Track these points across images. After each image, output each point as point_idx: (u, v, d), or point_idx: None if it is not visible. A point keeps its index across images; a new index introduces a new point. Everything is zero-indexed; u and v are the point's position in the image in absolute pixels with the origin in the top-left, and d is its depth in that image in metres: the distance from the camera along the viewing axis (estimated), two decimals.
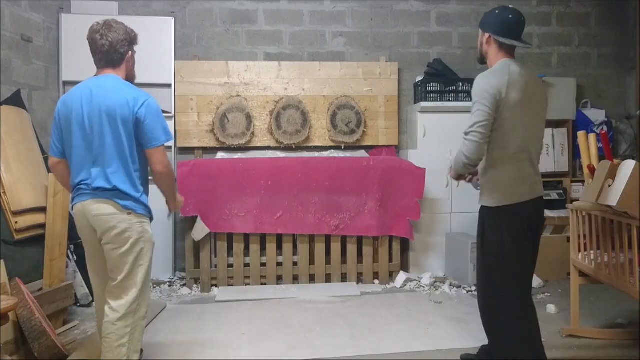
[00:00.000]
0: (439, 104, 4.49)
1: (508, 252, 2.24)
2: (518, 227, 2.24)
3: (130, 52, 2.29)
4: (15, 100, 3.58)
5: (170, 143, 4.42)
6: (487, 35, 2.33)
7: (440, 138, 4.46)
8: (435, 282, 4.21)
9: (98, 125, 2.15)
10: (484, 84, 2.21)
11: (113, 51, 2.20)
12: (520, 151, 2.23)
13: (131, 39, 2.26)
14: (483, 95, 2.18)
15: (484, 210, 2.36)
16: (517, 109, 2.20)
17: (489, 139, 2.21)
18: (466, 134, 2.21)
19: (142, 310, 2.27)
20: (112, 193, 2.16)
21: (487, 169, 2.32)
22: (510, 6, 2.34)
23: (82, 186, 2.20)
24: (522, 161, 2.24)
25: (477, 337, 2.91)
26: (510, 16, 2.27)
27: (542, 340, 2.32)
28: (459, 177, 2.47)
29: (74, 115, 2.18)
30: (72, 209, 2.28)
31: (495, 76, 2.22)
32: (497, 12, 2.31)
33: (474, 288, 3.98)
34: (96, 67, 2.27)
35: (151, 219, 2.34)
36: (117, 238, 2.18)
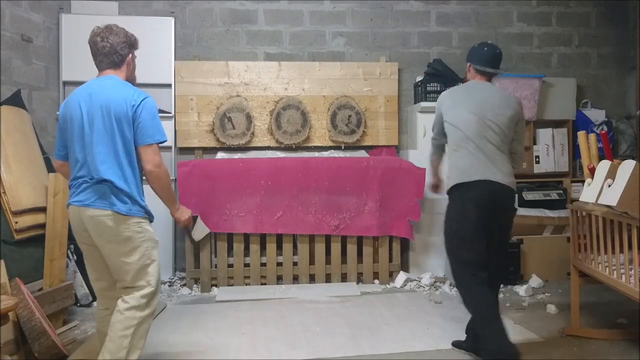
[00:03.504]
0: None
1: (453, 227, 2.59)
2: (463, 205, 2.54)
3: (130, 55, 2.34)
4: (15, 100, 3.58)
5: (170, 143, 4.44)
6: (468, 64, 2.77)
7: None
8: (435, 282, 4.21)
9: (95, 121, 2.17)
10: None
11: (113, 52, 2.25)
12: (464, 142, 2.58)
13: (131, 42, 2.32)
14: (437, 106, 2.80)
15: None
16: (455, 110, 2.64)
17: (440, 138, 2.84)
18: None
19: (152, 307, 2.26)
20: (106, 191, 2.15)
21: (446, 158, 2.76)
22: (489, 42, 2.85)
23: (79, 181, 2.19)
24: (467, 149, 2.57)
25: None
26: (485, 49, 2.72)
27: (509, 328, 2.52)
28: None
29: (74, 115, 2.21)
30: (67, 208, 2.27)
31: (446, 91, 2.81)
32: (476, 46, 2.77)
33: None
34: (97, 69, 2.32)
35: (151, 220, 2.32)
36: (114, 238, 2.17)
